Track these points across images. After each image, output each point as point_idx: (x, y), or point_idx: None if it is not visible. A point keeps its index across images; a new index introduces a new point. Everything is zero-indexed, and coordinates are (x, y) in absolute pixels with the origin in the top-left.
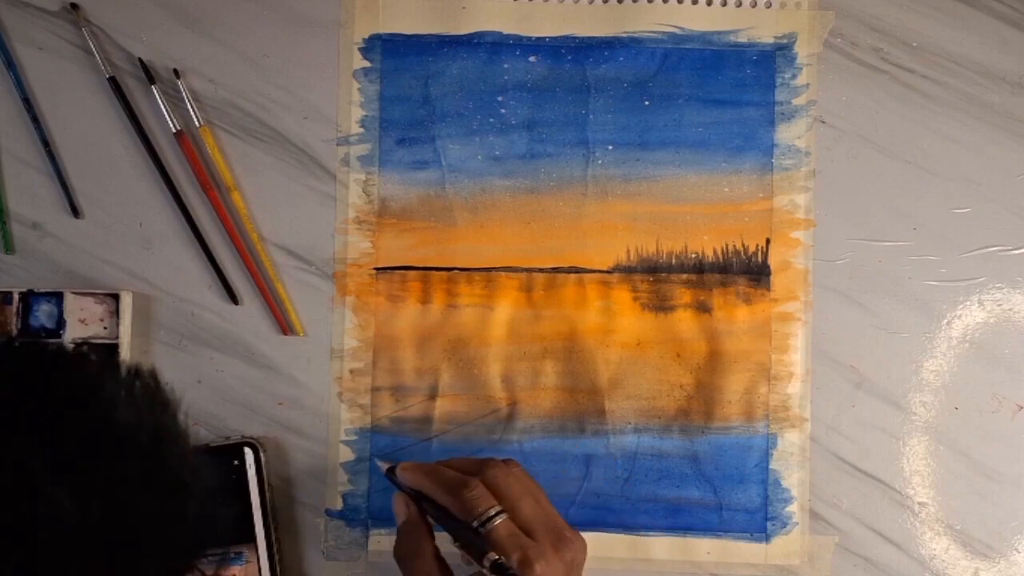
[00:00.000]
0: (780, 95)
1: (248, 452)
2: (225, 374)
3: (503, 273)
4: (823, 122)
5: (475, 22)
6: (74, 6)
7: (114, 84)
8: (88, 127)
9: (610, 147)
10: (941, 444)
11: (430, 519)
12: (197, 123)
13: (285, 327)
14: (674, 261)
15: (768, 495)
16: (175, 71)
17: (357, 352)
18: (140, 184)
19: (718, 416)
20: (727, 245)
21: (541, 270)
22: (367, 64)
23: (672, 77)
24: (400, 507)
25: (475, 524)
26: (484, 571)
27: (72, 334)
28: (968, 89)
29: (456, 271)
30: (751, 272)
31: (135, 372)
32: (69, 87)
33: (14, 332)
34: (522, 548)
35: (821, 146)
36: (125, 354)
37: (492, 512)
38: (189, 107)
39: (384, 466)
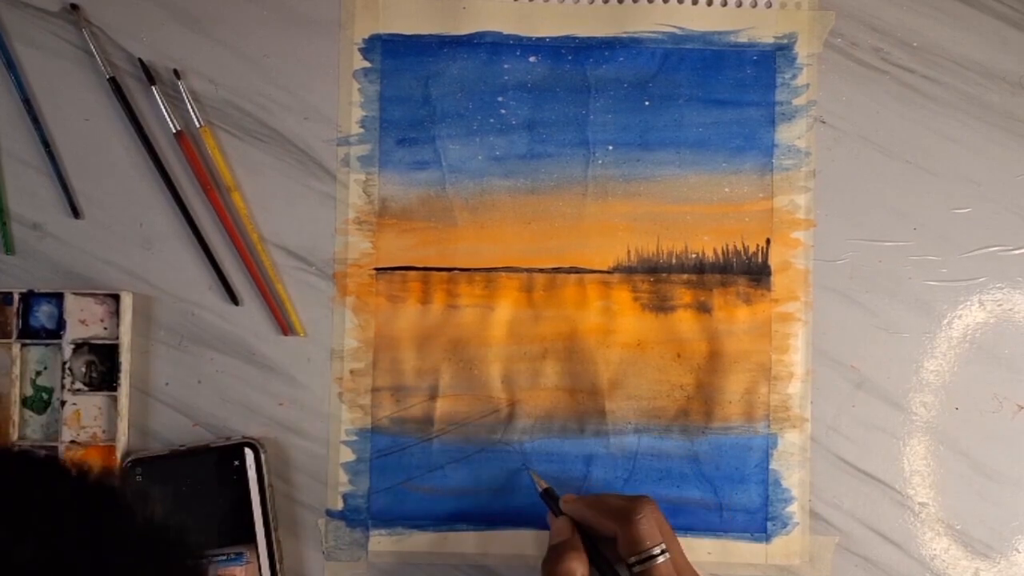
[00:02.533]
0: (780, 95)
1: (248, 452)
2: (225, 374)
3: (503, 273)
4: (823, 122)
5: (475, 22)
6: (74, 7)
7: (114, 84)
8: (88, 127)
9: (610, 147)
10: (941, 444)
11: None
12: (197, 123)
13: (285, 327)
14: (674, 261)
15: (768, 495)
16: (175, 71)
17: (357, 352)
18: (140, 184)
19: (718, 416)
20: (727, 245)
21: (541, 270)
22: (367, 64)
23: (672, 77)
24: (564, 529)
25: (637, 558)
26: None
27: (72, 334)
28: (968, 89)
29: (456, 271)
30: (751, 272)
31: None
32: (69, 87)
33: (15, 332)
34: None
35: (821, 146)
36: (125, 354)
37: (657, 550)
38: (189, 107)
39: (541, 486)
